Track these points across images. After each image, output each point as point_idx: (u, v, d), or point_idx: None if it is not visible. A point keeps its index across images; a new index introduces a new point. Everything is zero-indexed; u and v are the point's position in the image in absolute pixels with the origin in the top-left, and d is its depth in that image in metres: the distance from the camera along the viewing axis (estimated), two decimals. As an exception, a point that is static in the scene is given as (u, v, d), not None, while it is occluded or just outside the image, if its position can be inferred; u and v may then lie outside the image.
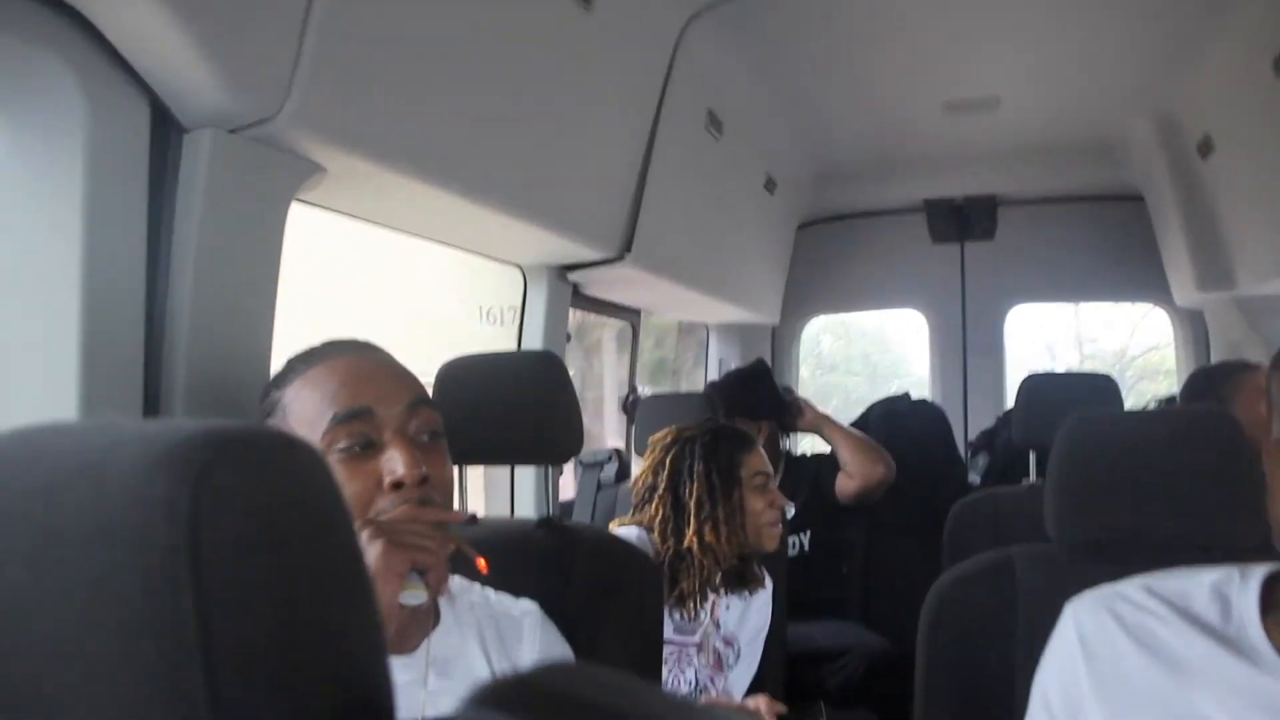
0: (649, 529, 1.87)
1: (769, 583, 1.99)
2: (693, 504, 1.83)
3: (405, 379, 1.03)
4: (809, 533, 2.66)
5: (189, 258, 1.18)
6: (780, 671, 2.16)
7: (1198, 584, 0.87)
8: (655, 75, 2.29)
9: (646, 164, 2.34)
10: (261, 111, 1.20)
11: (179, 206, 1.18)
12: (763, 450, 1.98)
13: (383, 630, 0.40)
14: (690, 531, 1.81)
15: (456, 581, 1.14)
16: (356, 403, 0.97)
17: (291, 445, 0.37)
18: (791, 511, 2.64)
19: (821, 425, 2.80)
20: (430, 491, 0.97)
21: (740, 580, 1.92)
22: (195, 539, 0.33)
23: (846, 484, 2.64)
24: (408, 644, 1.04)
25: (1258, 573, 0.85)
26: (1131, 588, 0.89)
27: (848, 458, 2.65)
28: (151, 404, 1.18)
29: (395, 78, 1.42)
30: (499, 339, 2.38)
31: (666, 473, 1.88)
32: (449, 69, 1.54)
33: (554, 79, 1.87)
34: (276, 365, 1.11)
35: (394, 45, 1.40)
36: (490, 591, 1.17)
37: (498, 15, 1.63)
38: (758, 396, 2.78)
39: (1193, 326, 3.65)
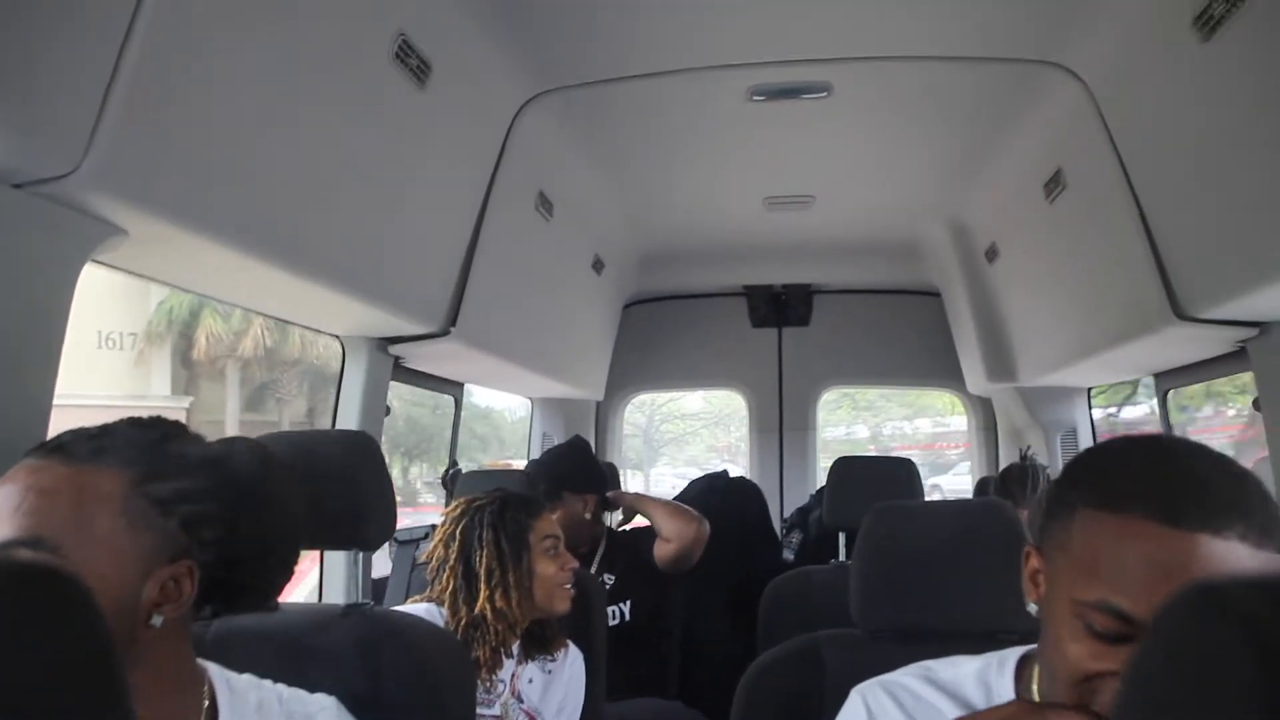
0: (440, 603, 1.84)
1: (578, 656, 1.97)
2: (483, 571, 1.83)
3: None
4: (629, 602, 2.66)
5: None
6: (597, 756, 2.12)
7: (964, 674, 0.96)
8: (488, 155, 2.30)
9: (475, 241, 2.33)
10: (54, 169, 1.11)
11: None
12: (553, 517, 1.99)
13: None
14: (482, 598, 1.81)
15: (244, 679, 1.05)
16: None
17: (45, 579, 0.32)
18: (610, 581, 2.64)
19: (636, 504, 2.84)
20: None
21: (540, 644, 1.91)
22: None
23: (664, 548, 2.67)
24: None
25: (1011, 659, 0.94)
26: (908, 676, 0.98)
27: (662, 523, 2.69)
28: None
29: (211, 141, 1.35)
30: (116, 365, 2.24)
31: (457, 544, 1.88)
32: (271, 135, 1.49)
33: (384, 153, 1.85)
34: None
35: (211, 107, 1.34)
36: (282, 688, 1.09)
37: (329, 86, 1.60)
38: (584, 470, 2.79)
39: (983, 413, 3.99)
